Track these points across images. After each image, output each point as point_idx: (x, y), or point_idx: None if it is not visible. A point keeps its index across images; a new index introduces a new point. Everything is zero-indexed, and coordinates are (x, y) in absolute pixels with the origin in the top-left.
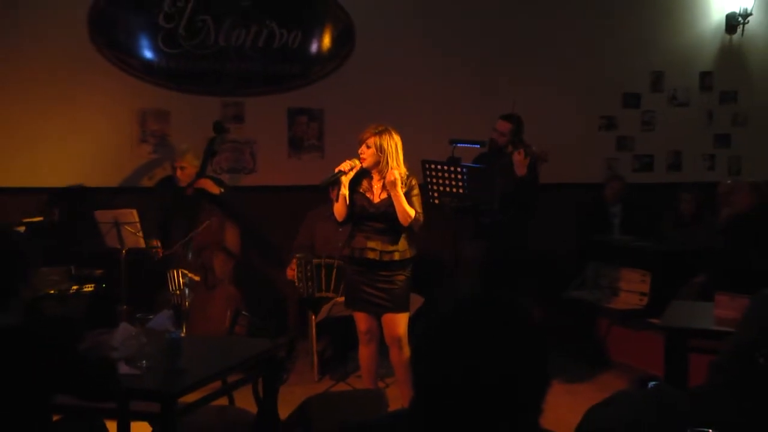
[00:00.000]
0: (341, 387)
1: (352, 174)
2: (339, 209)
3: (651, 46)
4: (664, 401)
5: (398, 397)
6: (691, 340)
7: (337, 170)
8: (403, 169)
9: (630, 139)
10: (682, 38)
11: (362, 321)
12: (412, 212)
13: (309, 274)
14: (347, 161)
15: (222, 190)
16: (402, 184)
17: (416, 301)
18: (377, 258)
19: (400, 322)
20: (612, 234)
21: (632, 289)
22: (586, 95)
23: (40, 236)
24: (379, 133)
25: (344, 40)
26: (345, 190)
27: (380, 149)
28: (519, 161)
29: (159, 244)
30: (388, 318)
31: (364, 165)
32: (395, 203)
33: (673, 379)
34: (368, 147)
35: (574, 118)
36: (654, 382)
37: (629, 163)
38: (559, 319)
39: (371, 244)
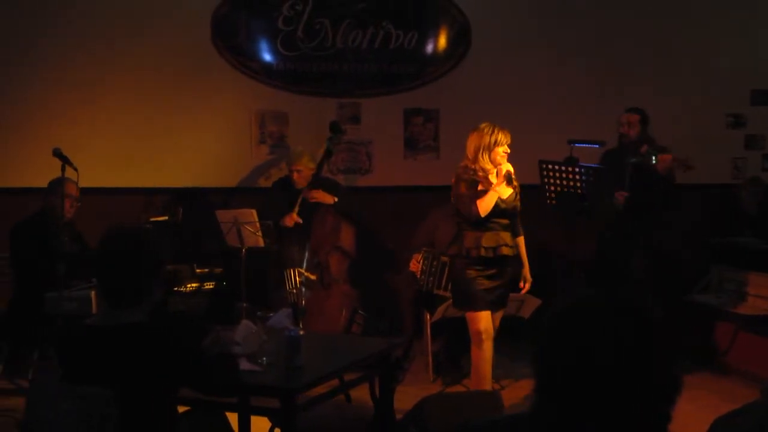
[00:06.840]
0: (456, 388)
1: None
2: (490, 205)
3: None
4: None
5: (509, 398)
6: None
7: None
8: None
9: (760, 138)
10: None
11: (485, 320)
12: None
13: (434, 269)
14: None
15: (336, 199)
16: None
17: (533, 302)
18: (511, 253)
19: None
20: (744, 237)
21: (761, 294)
22: (712, 92)
23: (165, 235)
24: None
25: (460, 40)
26: (510, 189)
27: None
28: (665, 166)
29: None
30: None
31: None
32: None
33: None
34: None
35: (699, 115)
36: None
37: (758, 162)
38: (679, 323)
39: (503, 240)
